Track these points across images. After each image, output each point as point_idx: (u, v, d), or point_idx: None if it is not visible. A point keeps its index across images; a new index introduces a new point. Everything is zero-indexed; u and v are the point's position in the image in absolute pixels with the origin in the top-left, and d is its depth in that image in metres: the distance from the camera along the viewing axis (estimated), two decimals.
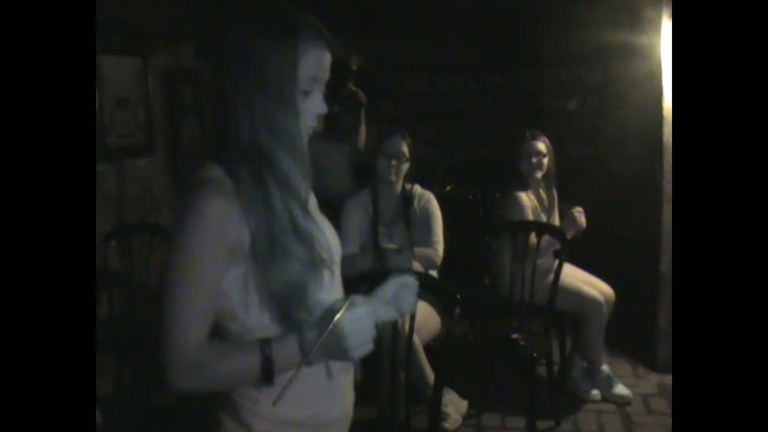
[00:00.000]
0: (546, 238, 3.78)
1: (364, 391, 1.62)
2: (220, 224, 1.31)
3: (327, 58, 1.40)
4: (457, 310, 2.59)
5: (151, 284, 4.07)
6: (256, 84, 1.34)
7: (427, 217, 3.72)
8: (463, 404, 3.70)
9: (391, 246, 3.54)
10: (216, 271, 1.33)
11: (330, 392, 1.48)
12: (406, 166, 3.70)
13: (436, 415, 2.86)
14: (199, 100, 5.18)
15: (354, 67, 4.66)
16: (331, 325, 1.30)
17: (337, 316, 1.30)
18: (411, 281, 1.52)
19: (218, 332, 1.40)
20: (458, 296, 2.68)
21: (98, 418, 2.69)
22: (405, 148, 3.68)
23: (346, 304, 1.32)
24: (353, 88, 4.43)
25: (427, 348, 3.45)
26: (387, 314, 1.50)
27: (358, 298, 1.35)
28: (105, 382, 3.29)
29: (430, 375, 3.32)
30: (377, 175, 3.72)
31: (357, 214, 3.71)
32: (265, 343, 1.33)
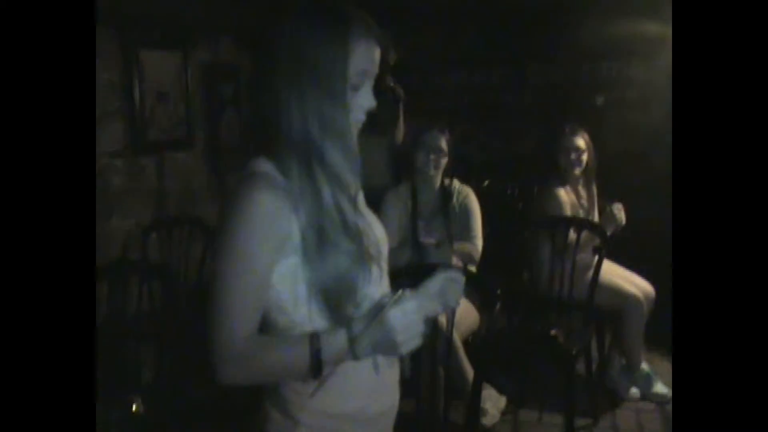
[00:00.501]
0: (585, 234, 3.75)
1: (402, 385, 1.62)
2: (270, 217, 1.31)
3: (377, 51, 1.40)
4: (498, 305, 2.58)
5: (191, 276, 4.11)
6: (306, 78, 1.34)
7: (465, 211, 3.70)
8: (502, 400, 3.68)
9: (430, 240, 3.54)
10: (266, 265, 1.34)
11: (377, 386, 1.47)
12: (444, 161, 3.69)
13: (475, 410, 2.85)
14: (238, 94, 5.21)
15: (391, 62, 4.65)
16: (379, 320, 1.30)
17: (387, 310, 1.30)
18: (458, 276, 1.52)
19: (266, 325, 1.40)
20: (498, 291, 2.67)
21: (140, 407, 2.73)
22: (444, 143, 3.67)
23: (396, 299, 1.32)
24: (391, 83, 4.42)
25: (466, 343, 3.44)
26: (433, 309, 1.50)
27: (407, 293, 1.35)
28: (146, 372, 3.33)
29: (469, 370, 3.31)
30: (416, 170, 3.72)
31: (396, 208, 3.71)
32: (313, 337, 1.33)
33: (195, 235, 4.13)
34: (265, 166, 1.37)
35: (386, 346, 1.32)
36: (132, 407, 2.72)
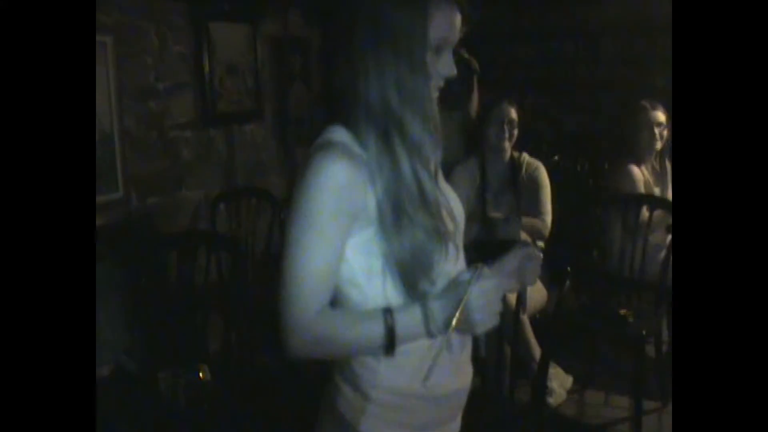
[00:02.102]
0: (659, 212, 3.64)
1: (475, 364, 1.58)
2: (346, 188, 1.28)
3: (457, 17, 1.34)
4: (567, 283, 2.52)
5: (258, 247, 4.15)
6: (385, 45, 1.29)
7: (535, 186, 3.64)
8: (568, 379, 3.62)
9: (499, 215, 3.49)
10: (340, 236, 1.30)
11: (449, 365, 1.43)
12: (515, 134, 3.63)
13: (541, 389, 2.81)
14: (306, 66, 5.21)
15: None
16: (458, 298, 1.26)
17: (466, 288, 1.26)
18: (536, 253, 1.47)
19: (339, 299, 1.37)
20: (568, 269, 2.61)
21: (207, 375, 2.77)
22: (514, 115, 3.61)
23: (475, 276, 1.28)
24: (466, 55, 4.34)
25: (533, 321, 3.38)
26: (509, 286, 1.46)
27: (485, 270, 1.31)
28: (213, 342, 3.38)
29: (536, 349, 3.26)
30: (486, 143, 3.67)
31: (465, 182, 3.66)
32: (388, 312, 1.30)
33: (263, 206, 4.16)
34: (340, 135, 1.34)
35: (463, 324, 1.29)
36: (199, 375, 2.75)
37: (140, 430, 2.82)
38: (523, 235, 3.45)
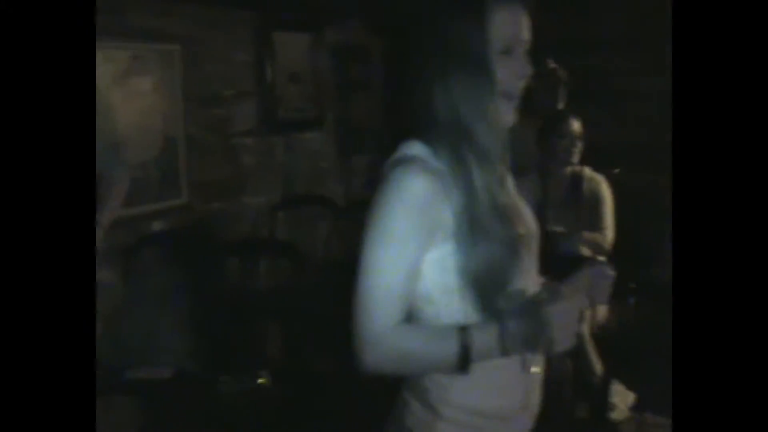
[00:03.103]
0: None
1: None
2: (425, 203, 1.27)
3: (523, 18, 1.32)
4: (632, 300, 2.48)
5: (317, 254, 4.17)
6: (446, 55, 1.29)
7: (596, 200, 3.59)
8: (630, 396, 3.55)
9: (559, 229, 3.45)
10: (418, 252, 1.30)
11: (522, 385, 1.42)
12: (578, 147, 3.58)
13: (603, 405, 2.77)
14: (367, 75, 5.23)
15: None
16: (536, 316, 1.25)
17: (545, 306, 1.25)
18: (609, 272, 1.45)
19: (412, 314, 1.36)
20: (631, 285, 2.57)
21: (267, 382, 2.79)
22: (579, 128, 3.57)
23: (551, 294, 1.27)
24: (552, 65, 4.26)
25: (595, 337, 3.33)
26: (582, 304, 1.44)
27: (562, 288, 1.29)
28: (272, 348, 3.41)
29: (598, 365, 3.21)
30: (549, 156, 3.63)
31: (524, 195, 3.62)
32: (463, 330, 1.28)
33: (322, 214, 4.19)
34: (416, 149, 1.34)
35: (539, 343, 1.27)
36: (260, 381, 2.78)
37: None
38: (584, 250, 3.40)
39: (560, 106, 4.39)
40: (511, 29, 1.31)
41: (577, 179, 3.62)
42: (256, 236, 4.20)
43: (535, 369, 1.41)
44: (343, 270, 4.35)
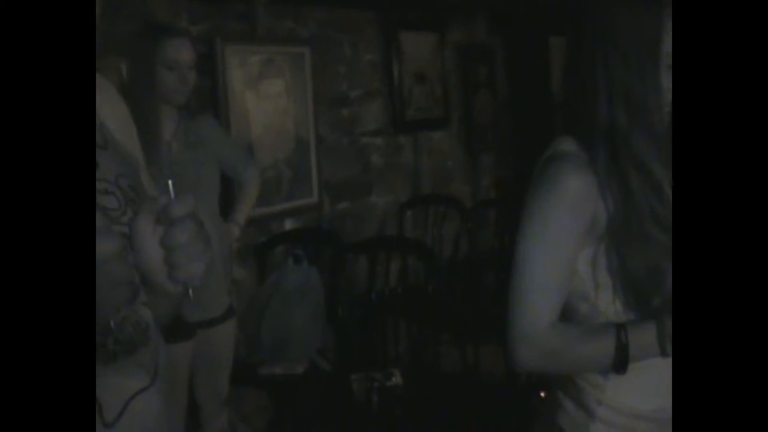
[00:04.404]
0: None
1: None
2: (582, 199, 1.24)
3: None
4: None
5: (445, 253, 4.15)
6: (616, 57, 1.24)
7: None
8: None
9: None
10: (574, 250, 1.27)
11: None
12: None
13: None
14: (492, 74, 5.19)
15: None
16: None
17: None
18: None
19: (567, 311, 1.33)
20: None
21: (399, 380, 2.78)
22: None
23: None
24: None
25: None
26: None
27: None
28: (401, 344, 3.40)
29: None
30: None
31: None
32: (621, 328, 1.23)
33: (450, 213, 4.16)
34: (571, 145, 1.30)
35: None
36: (391, 379, 2.78)
37: (332, 428, 2.89)
38: None
39: None
40: (668, 38, 1.25)
41: None
42: (386, 235, 4.22)
43: None
44: (471, 269, 4.35)
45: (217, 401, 2.67)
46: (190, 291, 0.92)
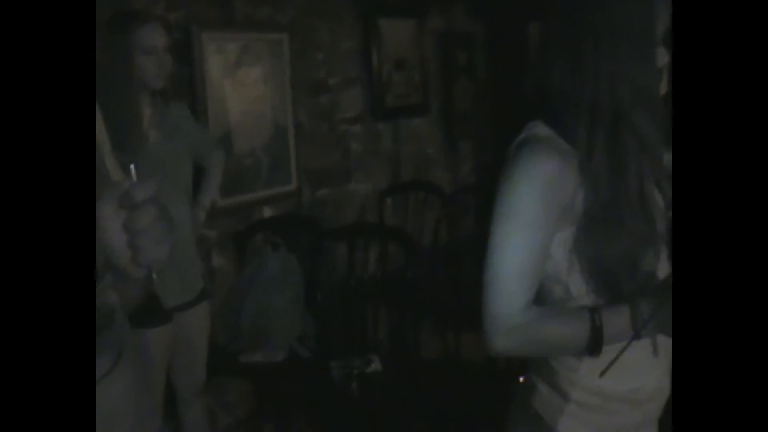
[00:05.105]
0: None
1: None
2: (555, 183, 1.24)
3: (670, 6, 1.28)
4: None
5: (425, 240, 4.15)
6: (620, 41, 1.23)
7: None
8: None
9: None
10: (548, 234, 1.27)
11: (654, 368, 1.36)
12: None
13: None
14: (472, 61, 5.18)
15: None
16: (670, 302, 1.18)
17: None
18: None
19: (542, 294, 1.34)
20: None
21: (378, 366, 2.79)
22: None
23: None
24: None
25: None
26: None
27: None
28: (381, 333, 3.41)
29: None
30: None
31: None
32: (595, 312, 1.24)
33: (430, 200, 4.16)
34: (544, 130, 1.30)
35: (673, 326, 1.21)
36: (370, 365, 2.78)
37: (312, 415, 2.89)
38: None
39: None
40: (666, 21, 1.26)
41: None
42: (366, 222, 4.22)
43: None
44: (451, 256, 4.36)
45: (194, 389, 2.67)
46: (154, 274, 0.92)
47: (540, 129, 1.31)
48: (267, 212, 3.69)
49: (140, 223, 0.87)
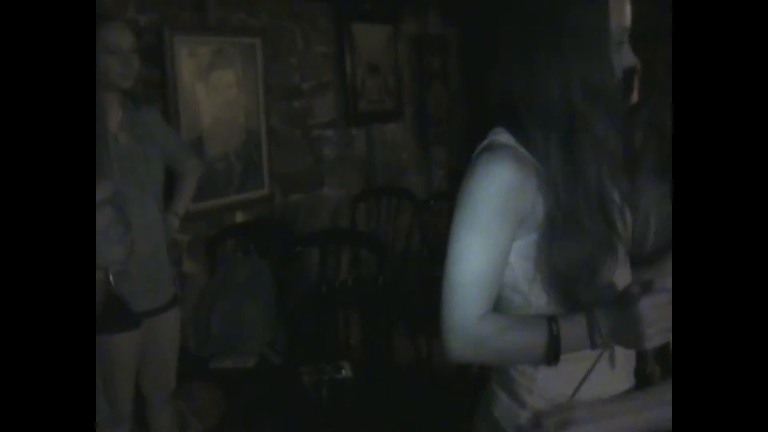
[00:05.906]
0: None
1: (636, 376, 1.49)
2: (515, 190, 1.24)
3: (627, 5, 1.29)
4: None
5: (398, 246, 4.16)
6: (570, 42, 1.23)
7: None
8: None
9: None
10: (506, 240, 1.27)
11: (612, 380, 1.36)
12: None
13: None
14: (445, 66, 5.20)
15: None
16: (626, 310, 1.18)
17: (637, 300, 1.17)
18: None
19: (501, 303, 1.34)
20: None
21: (348, 372, 2.79)
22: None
23: (644, 288, 1.20)
24: None
25: None
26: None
27: (657, 282, 1.22)
28: (353, 339, 3.41)
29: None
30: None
31: None
32: (552, 320, 1.24)
33: (402, 205, 4.17)
34: (505, 137, 1.30)
35: (629, 337, 1.21)
36: (341, 371, 2.78)
37: (283, 422, 2.88)
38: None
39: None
40: (623, 17, 1.28)
41: None
42: (338, 227, 4.21)
43: None
44: (423, 261, 4.35)
45: (163, 395, 2.65)
46: (111, 276, 0.91)
47: (500, 135, 1.31)
48: (239, 217, 3.67)
49: (98, 224, 0.86)
